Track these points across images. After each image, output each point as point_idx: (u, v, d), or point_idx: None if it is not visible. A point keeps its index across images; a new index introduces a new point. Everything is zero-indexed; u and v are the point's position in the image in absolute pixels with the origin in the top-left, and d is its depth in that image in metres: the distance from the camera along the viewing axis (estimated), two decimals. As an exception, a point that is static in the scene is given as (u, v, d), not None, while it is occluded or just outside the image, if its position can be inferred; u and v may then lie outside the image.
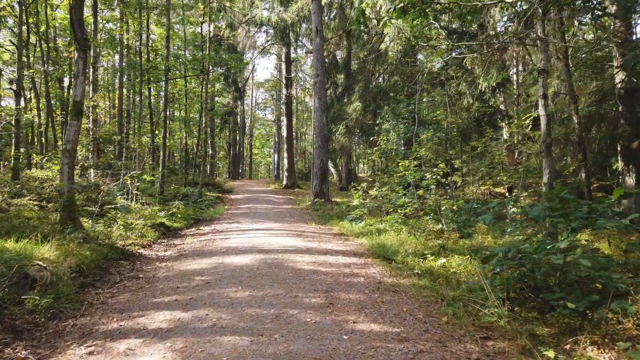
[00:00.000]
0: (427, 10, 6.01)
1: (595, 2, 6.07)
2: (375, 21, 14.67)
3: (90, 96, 11.37)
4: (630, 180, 9.37)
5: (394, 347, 2.97)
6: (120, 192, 10.14)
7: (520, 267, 3.59)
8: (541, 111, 5.18)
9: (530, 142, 8.58)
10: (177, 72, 16.20)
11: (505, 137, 16.61)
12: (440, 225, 7.58)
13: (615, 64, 10.97)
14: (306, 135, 38.32)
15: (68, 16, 7.00)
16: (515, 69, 18.03)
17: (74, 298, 4.29)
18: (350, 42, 18.41)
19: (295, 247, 6.82)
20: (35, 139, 13.88)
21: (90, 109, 11.56)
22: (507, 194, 7.99)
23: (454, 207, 7.36)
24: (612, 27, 10.69)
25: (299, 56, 29.02)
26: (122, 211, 7.62)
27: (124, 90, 18.18)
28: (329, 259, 5.96)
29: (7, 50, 16.34)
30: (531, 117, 7.46)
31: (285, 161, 23.25)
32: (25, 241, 5.24)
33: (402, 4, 5.30)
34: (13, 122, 8.16)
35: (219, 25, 22.28)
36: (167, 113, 18.78)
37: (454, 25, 15.09)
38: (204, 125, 17.61)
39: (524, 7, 6.29)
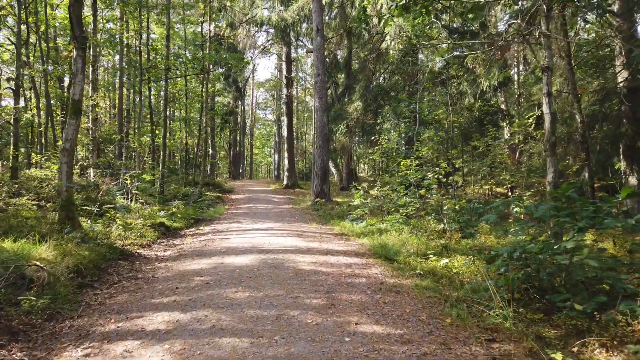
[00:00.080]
0: (429, 8, 5.95)
1: (599, -1, 5.99)
2: (376, 20, 14.61)
3: (90, 95, 11.31)
4: (633, 180, 9.30)
5: (397, 350, 2.90)
6: (120, 192, 10.08)
7: (526, 267, 3.52)
8: (545, 109, 5.10)
9: (533, 141, 8.50)
10: (178, 71, 16.15)
11: (506, 136, 16.54)
12: (442, 225, 7.51)
13: (617, 62, 10.90)
14: (307, 135, 38.26)
15: (68, 15, 6.93)
16: (516, 69, 17.96)
17: (72, 299, 4.23)
18: (351, 42, 18.35)
19: (296, 247, 6.75)
20: (35, 139, 13.83)
21: (90, 108, 11.50)
22: (509, 194, 7.91)
23: (456, 207, 7.29)
24: (614, 25, 10.62)
25: (300, 56, 28.96)
26: (121, 211, 7.56)
27: (124, 90, 18.13)
28: (330, 259, 5.90)
29: (7, 50, 16.31)
30: (534, 116, 7.38)
31: (286, 161, 23.19)
32: (23, 241, 5.18)
33: (404, 1, 5.23)
34: (12, 121, 8.09)
35: (220, 24, 22.23)
36: (168, 112, 18.75)
37: (455, 25, 15.03)
38: (204, 125, 17.55)
39: (527, 5, 6.22)
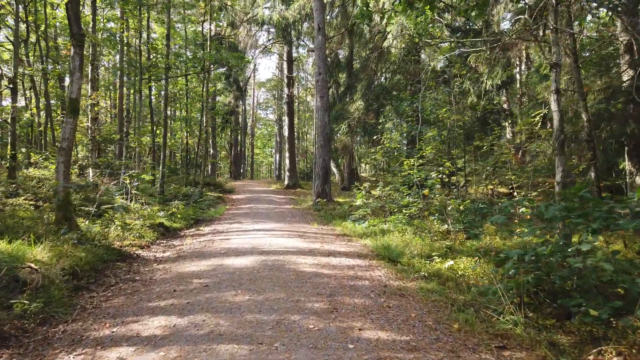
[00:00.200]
0: (433, 4, 5.81)
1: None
2: (378, 19, 14.47)
3: (89, 94, 11.19)
4: (640, 180, 9.13)
5: (404, 358, 2.77)
6: (120, 192, 9.97)
7: (537, 270, 3.38)
8: (553, 107, 4.96)
9: (539, 140, 8.35)
10: (178, 70, 16.03)
11: (508, 136, 16.38)
12: (446, 226, 7.36)
13: (622, 61, 10.73)
14: (308, 135, 38.13)
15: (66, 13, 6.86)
16: (518, 68, 17.80)
17: (66, 302, 4.11)
18: (352, 41, 18.21)
19: (297, 248, 6.62)
20: (35, 138, 13.74)
21: (89, 107, 11.39)
22: (515, 194, 7.76)
23: (461, 207, 7.15)
24: (617, 23, 10.44)
25: (301, 55, 28.85)
26: (119, 211, 7.44)
27: (125, 90, 18.03)
28: (332, 260, 5.76)
29: (8, 50, 16.22)
30: (541, 114, 7.23)
31: (287, 161, 23.06)
32: (18, 242, 5.06)
33: (408, -4, 5.09)
34: (9, 120, 7.99)
35: (220, 24, 22.13)
36: (168, 112, 18.64)
37: (457, 23, 14.88)
38: (205, 124, 17.44)
39: (534, 0, 6.07)
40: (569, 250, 3.12)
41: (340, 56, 20.08)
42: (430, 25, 11.22)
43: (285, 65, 24.61)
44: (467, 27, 14.35)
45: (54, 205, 6.58)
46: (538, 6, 5.01)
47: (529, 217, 6.66)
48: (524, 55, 16.59)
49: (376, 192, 9.87)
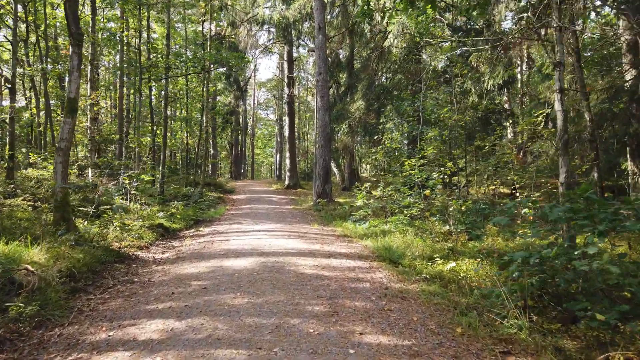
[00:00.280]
0: (435, 2, 5.73)
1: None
2: (378, 18, 14.40)
3: (89, 94, 11.14)
4: (643, 180, 9.05)
5: (406, 363, 2.70)
6: (119, 193, 9.91)
7: (542, 273, 3.31)
8: (557, 106, 4.89)
9: (541, 140, 8.28)
10: (178, 70, 15.98)
11: (509, 136, 16.29)
12: (447, 227, 7.29)
13: (624, 60, 10.65)
14: (308, 135, 38.06)
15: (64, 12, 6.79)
16: (519, 68, 17.71)
17: (63, 305, 4.05)
18: (353, 40, 18.14)
19: (297, 249, 6.56)
20: (34, 139, 13.69)
21: (89, 107, 11.33)
22: (517, 195, 7.69)
23: (462, 208, 7.08)
24: (620, 21, 10.35)
25: (302, 55, 28.78)
26: (118, 212, 7.38)
27: (125, 89, 17.98)
28: (333, 262, 5.70)
29: (7, 50, 16.18)
30: (544, 114, 7.15)
31: (288, 161, 23.00)
32: (15, 243, 5.00)
33: (409, -6, 5.02)
34: (7, 120, 7.93)
35: (221, 23, 22.07)
36: (169, 112, 18.58)
37: (458, 23, 14.81)
38: (205, 124, 17.38)
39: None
40: (575, 253, 3.05)
41: (340, 56, 20.01)
42: (431, 24, 11.15)
43: (285, 65, 24.56)
44: (469, 26, 14.27)
45: (52, 206, 6.52)
46: (542, 4, 4.94)
47: (531, 218, 6.60)
48: (525, 54, 16.50)
49: (377, 192, 9.80)
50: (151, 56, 14.69)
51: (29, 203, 7.41)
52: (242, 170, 35.80)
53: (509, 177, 8.19)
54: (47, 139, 12.72)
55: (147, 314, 3.74)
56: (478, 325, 3.26)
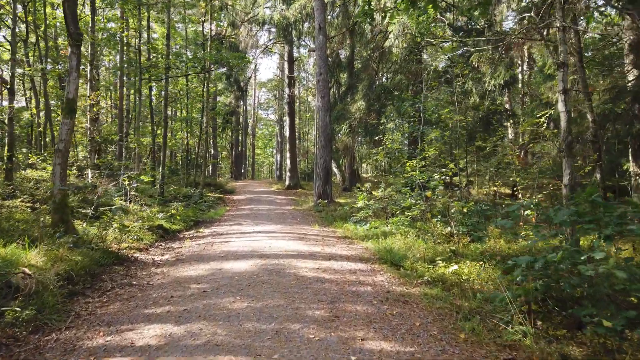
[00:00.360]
0: (436, 2, 5.67)
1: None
2: (379, 18, 14.33)
3: (88, 95, 11.10)
4: (646, 182, 8.98)
5: (408, 370, 2.65)
6: (119, 193, 9.86)
7: (546, 277, 3.25)
8: (561, 107, 4.83)
9: (543, 141, 8.21)
10: (178, 70, 15.93)
11: (510, 136, 16.22)
12: (449, 228, 7.23)
13: (626, 60, 10.58)
14: (309, 135, 38.00)
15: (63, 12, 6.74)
16: (520, 68, 17.64)
17: (60, 308, 4.00)
18: (353, 40, 18.08)
19: (298, 251, 6.50)
20: (34, 139, 13.66)
21: (88, 107, 11.28)
22: (520, 196, 7.63)
23: (464, 210, 7.01)
24: (623, 21, 10.27)
25: (302, 55, 28.72)
26: (116, 213, 7.33)
27: (125, 90, 17.94)
28: (334, 264, 5.64)
29: (7, 50, 16.14)
30: (547, 115, 7.09)
31: (288, 161, 22.95)
32: (12, 246, 4.95)
33: (411, -6, 4.96)
34: (6, 121, 7.89)
35: (221, 24, 22.02)
36: (169, 113, 18.53)
37: (459, 23, 14.74)
38: (205, 125, 17.34)
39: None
40: (582, 258, 2.99)
41: (341, 56, 19.95)
42: (432, 24, 11.08)
43: (286, 65, 24.49)
44: (470, 26, 14.21)
45: (50, 207, 6.47)
46: (545, 3, 4.88)
47: (534, 219, 6.53)
48: (526, 55, 16.44)
49: (378, 193, 9.74)
50: (151, 56, 14.65)
51: (28, 204, 7.36)
52: (242, 171, 35.75)
53: (511, 179, 8.12)
54: (46, 139, 12.68)
55: (145, 319, 3.69)
56: (482, 331, 3.20)
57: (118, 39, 15.53)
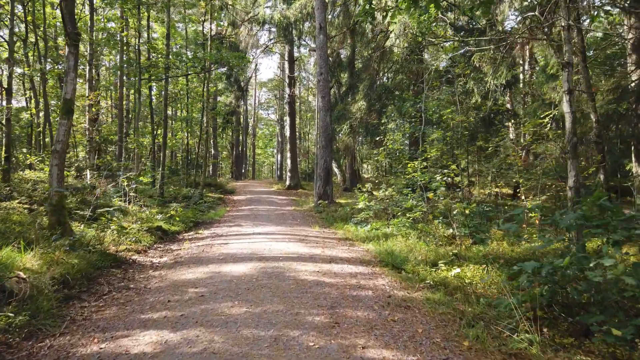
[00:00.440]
0: (438, 1, 5.58)
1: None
2: (380, 17, 14.24)
3: (87, 95, 11.03)
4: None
5: (411, 381, 2.56)
6: (118, 194, 9.79)
7: (553, 283, 3.16)
8: (565, 108, 4.74)
9: (546, 142, 8.12)
10: (178, 70, 15.86)
11: (511, 136, 16.11)
12: (451, 230, 7.14)
13: (629, 60, 10.47)
14: (310, 135, 37.93)
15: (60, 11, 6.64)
16: (522, 68, 17.53)
17: (55, 313, 3.92)
18: (354, 40, 17.99)
19: (298, 253, 6.42)
20: (34, 140, 13.60)
21: (87, 107, 11.21)
22: (523, 198, 7.53)
23: (466, 211, 6.92)
24: (625, 20, 10.15)
25: (303, 55, 28.65)
26: (114, 215, 7.25)
27: (125, 90, 17.87)
28: (334, 267, 5.56)
29: (6, 49, 16.08)
30: (551, 115, 7.00)
31: (289, 161, 22.86)
32: (8, 249, 4.87)
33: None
34: (4, 121, 7.81)
35: (221, 23, 21.94)
36: (169, 113, 18.47)
37: (460, 23, 14.65)
38: (205, 125, 17.26)
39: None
40: (591, 264, 2.90)
41: (342, 56, 19.86)
42: (434, 24, 10.98)
43: (286, 65, 24.41)
44: (471, 26, 14.10)
45: (47, 209, 6.40)
46: (550, 2, 4.78)
47: (537, 221, 6.44)
48: (528, 54, 16.33)
49: (379, 194, 9.65)
50: (151, 56, 14.58)
51: (25, 206, 7.29)
52: (243, 171, 35.68)
53: (514, 180, 8.03)
54: (46, 139, 12.61)
55: (141, 324, 3.61)
56: (486, 339, 3.11)
57: (118, 38, 15.46)
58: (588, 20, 8.03)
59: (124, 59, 15.60)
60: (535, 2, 5.76)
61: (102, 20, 17.02)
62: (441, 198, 8.03)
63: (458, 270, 5.05)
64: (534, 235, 5.88)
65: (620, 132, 10.20)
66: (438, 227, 7.39)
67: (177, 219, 9.61)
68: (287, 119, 24.80)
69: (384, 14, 11.49)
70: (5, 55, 16.03)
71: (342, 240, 8.00)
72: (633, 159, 9.93)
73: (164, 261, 6.23)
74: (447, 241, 6.76)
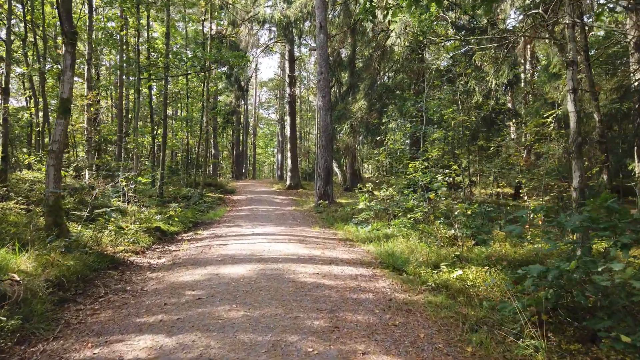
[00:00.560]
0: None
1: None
2: (381, 16, 14.14)
3: (85, 94, 10.96)
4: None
5: (413, 389, 2.48)
6: (117, 195, 9.72)
7: (559, 287, 3.08)
8: (570, 107, 4.64)
9: (548, 141, 8.02)
10: (178, 70, 15.78)
11: (512, 135, 16.02)
12: (452, 231, 7.05)
13: (632, 60, 10.37)
14: (310, 135, 37.85)
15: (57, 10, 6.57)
16: (523, 67, 17.43)
17: (50, 317, 3.84)
18: (355, 39, 17.90)
19: (298, 255, 6.33)
20: (34, 139, 13.53)
21: (85, 107, 11.14)
22: (526, 198, 7.44)
23: (468, 212, 6.83)
24: (627, 19, 10.06)
25: (303, 55, 28.55)
26: (111, 215, 7.17)
27: (125, 89, 17.80)
28: (334, 269, 5.47)
29: (3, 48, 16.00)
30: (554, 114, 6.90)
31: (289, 161, 22.79)
32: (3, 250, 4.80)
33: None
34: (1, 121, 7.74)
35: (221, 23, 21.85)
36: (170, 112, 18.40)
37: (461, 22, 14.55)
38: (205, 124, 17.19)
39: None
40: (600, 269, 2.81)
41: (342, 55, 19.78)
42: (435, 22, 10.88)
43: (287, 65, 24.33)
44: (472, 25, 14.00)
45: (43, 209, 6.32)
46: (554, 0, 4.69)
47: (540, 222, 6.35)
48: (529, 53, 16.23)
49: (379, 194, 9.57)
50: (151, 55, 14.50)
51: (22, 206, 7.22)
52: (243, 170, 35.61)
53: (517, 180, 7.93)
54: (45, 140, 12.54)
55: (136, 328, 3.53)
56: (490, 344, 3.03)
57: (117, 38, 15.38)
58: (592, 18, 7.92)
59: (124, 58, 15.53)
60: (538, 0, 5.67)
61: (102, 19, 16.95)
62: (442, 198, 7.94)
63: (460, 272, 4.96)
64: (538, 238, 5.79)
65: (623, 131, 10.11)
66: (439, 228, 7.30)
67: (176, 219, 9.53)
68: (287, 118, 24.71)
69: (385, 12, 11.40)
70: (3, 54, 15.98)
71: (343, 241, 7.91)
72: (635, 158, 9.84)
73: (162, 262, 6.16)
74: (448, 242, 6.67)
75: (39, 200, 7.55)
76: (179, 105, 22.30)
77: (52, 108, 14.99)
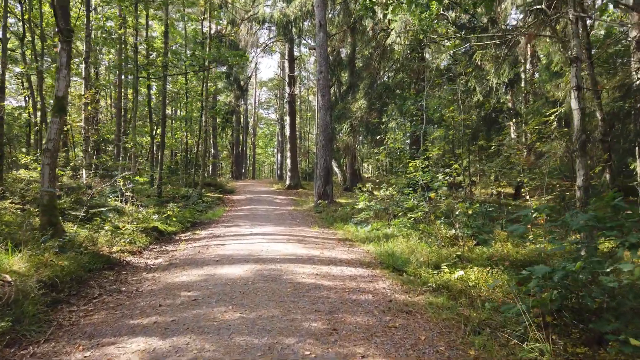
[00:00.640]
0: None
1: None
2: (381, 15, 14.06)
3: (83, 93, 10.87)
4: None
5: (413, 394, 2.39)
6: (114, 194, 9.63)
7: (565, 289, 2.99)
8: (574, 105, 4.55)
9: (550, 140, 7.94)
10: (177, 69, 15.69)
11: (512, 135, 15.93)
12: (453, 231, 6.96)
13: (633, 58, 10.27)
14: (310, 135, 37.76)
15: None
16: (523, 66, 17.34)
17: (42, 318, 3.75)
18: (354, 38, 17.81)
19: (296, 255, 6.24)
20: (32, 139, 13.43)
21: (83, 106, 11.05)
22: (527, 198, 7.35)
23: (469, 212, 6.74)
24: (629, 18, 9.96)
25: (303, 54, 28.45)
26: (107, 215, 7.08)
27: (123, 89, 17.71)
28: (333, 270, 5.38)
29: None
30: (557, 113, 6.81)
31: (289, 161, 22.70)
32: (-4, 250, 4.71)
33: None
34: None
35: (221, 22, 21.77)
36: (168, 112, 18.31)
37: (461, 21, 14.46)
38: (204, 124, 17.10)
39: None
40: (608, 270, 2.72)
41: (342, 54, 19.69)
42: (435, 21, 10.78)
43: (286, 64, 24.25)
44: (473, 23, 13.92)
45: (38, 209, 6.23)
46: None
47: (542, 221, 6.26)
48: (529, 52, 16.13)
49: (379, 193, 9.48)
50: (150, 54, 14.41)
51: (18, 206, 7.13)
52: (243, 170, 35.52)
53: (518, 179, 7.84)
54: (42, 139, 12.46)
55: (129, 331, 3.43)
56: (493, 347, 2.93)
57: (115, 37, 15.28)
58: (596, 14, 7.82)
59: (122, 57, 15.45)
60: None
61: (101, 18, 16.85)
62: (443, 198, 7.86)
63: (461, 272, 4.87)
64: (540, 238, 5.70)
65: (625, 130, 10.02)
66: (440, 228, 7.21)
67: (174, 219, 9.44)
68: (287, 118, 24.62)
69: (385, 10, 11.32)
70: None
71: (342, 241, 7.82)
72: (637, 158, 9.74)
73: (159, 263, 6.07)
74: (449, 242, 6.58)
75: (34, 200, 7.46)
76: (178, 104, 22.22)
77: (50, 107, 14.89)
